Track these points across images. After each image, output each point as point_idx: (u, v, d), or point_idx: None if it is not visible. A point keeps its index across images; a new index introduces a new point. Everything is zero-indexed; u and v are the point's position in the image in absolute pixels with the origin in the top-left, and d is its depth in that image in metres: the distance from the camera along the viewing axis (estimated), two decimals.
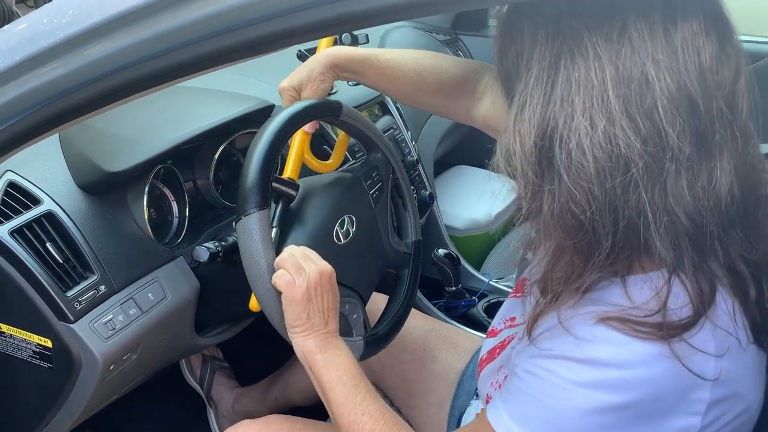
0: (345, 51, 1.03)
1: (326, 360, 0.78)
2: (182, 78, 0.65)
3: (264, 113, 1.12)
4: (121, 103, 0.68)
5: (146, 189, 1.02)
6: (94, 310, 0.92)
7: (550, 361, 0.62)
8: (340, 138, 1.10)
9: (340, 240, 1.00)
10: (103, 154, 0.98)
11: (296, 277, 0.78)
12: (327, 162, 1.06)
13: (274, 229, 0.89)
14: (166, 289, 1.02)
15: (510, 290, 1.63)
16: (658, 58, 0.54)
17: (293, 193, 0.91)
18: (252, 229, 0.81)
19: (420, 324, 1.19)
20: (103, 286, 0.93)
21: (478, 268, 1.80)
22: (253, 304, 0.86)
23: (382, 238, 1.10)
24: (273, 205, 0.91)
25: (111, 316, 0.93)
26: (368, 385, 0.79)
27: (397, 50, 1.03)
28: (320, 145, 1.35)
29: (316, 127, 1.02)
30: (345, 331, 0.94)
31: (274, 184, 0.89)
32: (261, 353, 1.64)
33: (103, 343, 0.91)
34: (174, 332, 1.07)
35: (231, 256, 0.98)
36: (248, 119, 1.14)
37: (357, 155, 1.40)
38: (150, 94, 0.68)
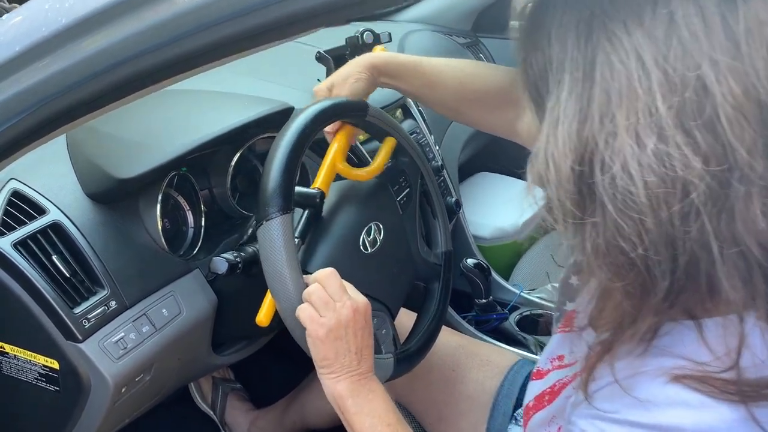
0: (387, 54, 1.02)
1: (359, 406, 0.73)
2: (201, 67, 0.59)
3: (283, 116, 1.06)
4: (132, 99, 0.63)
5: (159, 197, 0.96)
6: (103, 327, 0.86)
7: (614, 426, 0.53)
8: (387, 144, 1.02)
9: (366, 249, 0.94)
10: (113, 161, 0.92)
11: (323, 311, 0.72)
12: (365, 169, 0.98)
13: (296, 240, 0.83)
14: (181, 305, 0.95)
15: (543, 301, 1.57)
16: (716, 58, 0.45)
17: (317, 202, 0.85)
18: (274, 235, 0.75)
19: (447, 340, 1.12)
20: (113, 302, 0.87)
21: (506, 278, 1.72)
22: (261, 318, 0.80)
23: (410, 247, 1.03)
24: (299, 212, 0.85)
25: (122, 334, 0.87)
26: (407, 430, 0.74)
27: (441, 58, 0.99)
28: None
29: (352, 141, 0.97)
30: (374, 348, 0.88)
31: (299, 190, 0.83)
32: (275, 372, 1.57)
33: (114, 363, 0.85)
34: (190, 351, 1.01)
35: (251, 267, 0.92)
36: (266, 123, 1.08)
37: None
38: (163, 87, 0.62)
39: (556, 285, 1.50)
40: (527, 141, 0.88)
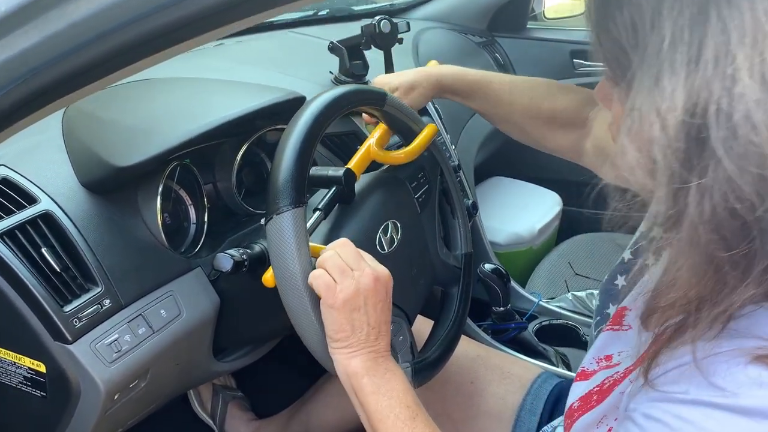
0: (455, 72, 1.03)
1: (375, 385, 0.67)
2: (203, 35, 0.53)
3: (294, 105, 1.00)
4: (130, 71, 0.56)
5: (159, 189, 0.89)
6: (96, 328, 0.79)
7: (683, 408, 0.48)
8: (428, 129, 0.97)
9: (384, 248, 0.87)
10: (111, 148, 0.86)
11: (340, 279, 0.67)
12: (403, 150, 0.94)
13: (317, 213, 0.79)
14: (181, 305, 0.89)
15: (562, 311, 1.50)
16: None
17: (344, 180, 0.81)
18: (285, 229, 0.69)
19: (464, 350, 1.05)
20: (107, 300, 0.81)
21: (522, 286, 1.66)
22: (268, 277, 0.74)
23: (429, 248, 0.97)
24: (322, 194, 0.82)
25: (116, 335, 0.81)
26: (427, 418, 0.67)
27: (510, 75, 1.03)
28: (353, 145, 1.23)
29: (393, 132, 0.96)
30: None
31: (320, 170, 0.80)
32: (279, 380, 1.51)
33: (107, 368, 0.78)
34: (189, 356, 0.94)
35: (258, 266, 0.85)
36: (276, 113, 1.02)
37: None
38: (164, 59, 0.56)
39: (578, 294, 1.45)
40: (594, 155, 0.88)
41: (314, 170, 0.82)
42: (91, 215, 0.84)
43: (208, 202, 1.02)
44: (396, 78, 1.05)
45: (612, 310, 0.72)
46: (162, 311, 0.86)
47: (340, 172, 0.81)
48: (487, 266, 1.31)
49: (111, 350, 0.79)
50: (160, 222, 0.89)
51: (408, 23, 1.26)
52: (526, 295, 1.52)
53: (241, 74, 1.23)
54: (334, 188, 0.82)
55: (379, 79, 1.04)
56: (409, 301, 0.91)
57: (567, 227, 2.08)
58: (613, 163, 0.51)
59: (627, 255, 0.76)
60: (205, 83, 1.05)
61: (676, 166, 0.44)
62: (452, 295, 1.00)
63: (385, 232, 0.88)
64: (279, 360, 1.32)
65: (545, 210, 1.96)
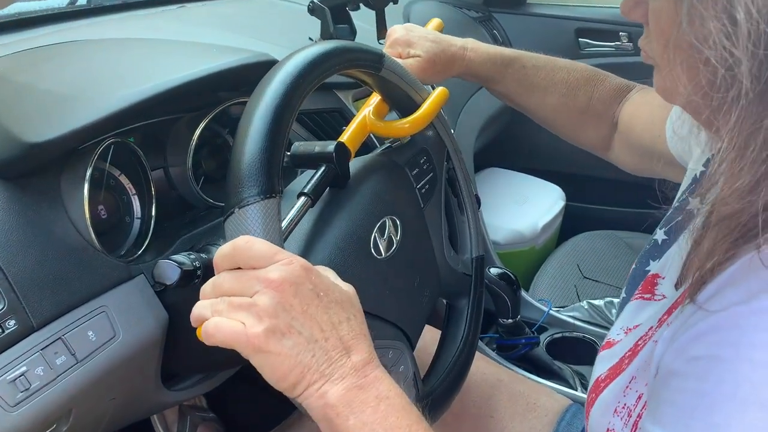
0: (485, 54, 0.93)
1: (362, 423, 0.49)
2: None
3: (265, 70, 0.81)
4: None
5: (88, 174, 0.70)
6: None
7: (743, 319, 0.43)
8: (439, 92, 0.80)
9: (380, 253, 0.70)
10: (22, 118, 0.67)
11: (237, 315, 0.49)
12: (408, 119, 0.77)
13: (303, 199, 0.62)
14: (116, 324, 0.70)
15: (576, 321, 1.34)
16: None
17: (335, 157, 0.65)
18: (250, 228, 0.51)
19: (482, 374, 0.89)
20: (12, 321, 0.62)
21: (525, 291, 1.49)
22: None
23: (435, 251, 0.79)
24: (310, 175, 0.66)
25: (24, 368, 0.62)
26: None
27: (545, 57, 0.95)
28: (338, 124, 1.04)
29: None
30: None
31: (303, 145, 0.64)
32: (257, 400, 1.32)
33: (7, 414, 0.60)
34: (130, 388, 0.75)
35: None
36: (242, 81, 0.83)
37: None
38: None
39: (595, 302, 1.28)
40: (622, 149, 0.90)
41: (296, 146, 0.65)
42: None
43: (157, 191, 0.83)
44: (419, 39, 0.90)
45: (653, 268, 0.67)
46: (90, 333, 0.68)
47: (330, 147, 0.64)
48: (493, 270, 1.14)
49: (15, 389, 0.61)
50: (88, 216, 0.70)
51: None
52: (534, 302, 1.36)
53: (204, 38, 1.04)
54: (323, 167, 0.64)
55: (398, 31, 0.91)
56: (412, 320, 0.73)
57: (570, 224, 1.93)
58: (659, 87, 0.52)
59: (660, 236, 0.70)
60: (153, 43, 0.86)
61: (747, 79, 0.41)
62: (461, 310, 0.83)
63: (381, 231, 0.70)
64: (257, 376, 1.13)
65: (548, 205, 1.80)
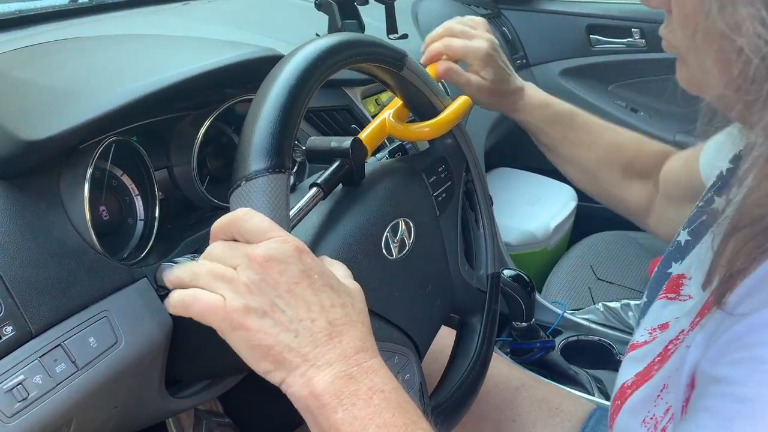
0: (538, 98, 0.94)
1: (353, 418, 0.44)
2: None
3: (271, 65, 0.79)
4: None
5: (88, 173, 0.68)
6: None
7: None
8: (462, 100, 0.78)
9: (391, 253, 0.68)
10: (20, 115, 0.65)
11: (217, 287, 0.47)
12: (429, 122, 0.75)
13: (314, 189, 0.61)
14: (119, 330, 0.68)
15: (592, 324, 1.31)
16: None
17: (351, 152, 0.63)
18: (256, 201, 0.48)
19: (505, 378, 0.87)
20: (9, 327, 0.59)
21: (537, 293, 1.46)
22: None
23: (449, 262, 0.77)
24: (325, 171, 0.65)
25: (22, 376, 0.59)
26: None
27: (596, 118, 0.96)
28: (346, 122, 1.02)
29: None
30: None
31: (318, 140, 0.63)
32: (273, 404, 1.29)
33: (4, 425, 0.57)
34: (132, 395, 0.73)
35: None
36: (249, 77, 0.81)
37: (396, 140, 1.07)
38: None
39: (611, 305, 1.25)
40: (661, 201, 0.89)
41: (312, 140, 0.63)
42: None
43: (161, 191, 0.81)
44: (497, 63, 0.90)
45: (676, 270, 0.66)
46: (91, 339, 0.65)
47: (346, 142, 0.62)
48: (507, 272, 1.11)
49: (12, 399, 0.58)
50: (89, 218, 0.68)
51: None
52: (548, 305, 1.33)
53: (208, 34, 1.02)
54: (338, 162, 0.63)
55: (454, 27, 0.91)
56: (420, 327, 0.70)
57: (581, 225, 1.90)
58: (684, 79, 0.49)
59: (684, 237, 0.69)
60: (155, 39, 0.84)
61: None
62: (473, 327, 0.80)
63: (394, 232, 0.68)
64: (267, 383, 1.11)
65: (560, 206, 1.77)
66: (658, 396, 0.54)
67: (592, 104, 1.93)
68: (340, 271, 0.54)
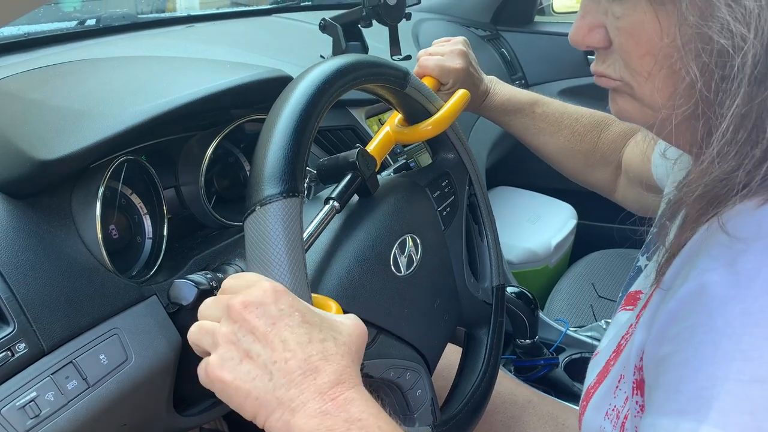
0: (508, 90, 0.99)
1: None
2: None
3: (278, 87, 0.80)
4: None
5: (100, 192, 0.69)
6: (3, 385, 0.58)
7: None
8: (461, 94, 0.80)
9: (399, 270, 0.68)
10: (33, 135, 0.66)
11: (207, 337, 0.49)
12: (429, 121, 0.77)
13: (330, 204, 0.62)
14: (129, 348, 0.68)
15: (594, 341, 1.31)
16: None
17: (359, 166, 0.65)
18: (270, 225, 0.49)
19: (511, 395, 0.87)
20: (22, 344, 0.60)
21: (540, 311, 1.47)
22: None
23: (455, 276, 0.78)
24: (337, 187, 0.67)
25: (34, 393, 0.60)
26: None
27: (558, 102, 1.00)
28: (351, 142, 1.03)
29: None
30: (402, 416, 0.66)
31: (328, 159, 0.65)
32: None
33: None
34: (142, 412, 0.73)
35: None
36: (256, 98, 0.82)
37: (401, 158, 1.08)
38: None
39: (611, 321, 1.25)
40: (626, 188, 0.93)
41: (320, 161, 0.65)
42: (5, 227, 0.64)
43: (169, 211, 0.82)
44: (460, 69, 0.95)
45: (635, 287, 0.69)
46: (102, 357, 0.66)
47: (354, 155, 0.63)
48: (510, 289, 1.12)
49: (25, 416, 0.58)
50: (100, 236, 0.68)
51: None
52: (550, 322, 1.33)
53: (214, 56, 1.03)
54: (349, 175, 0.64)
55: (432, 57, 0.96)
56: (430, 343, 0.71)
57: (581, 243, 1.90)
58: (621, 110, 0.55)
59: (643, 261, 0.71)
60: (164, 61, 0.85)
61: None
62: (480, 340, 0.81)
63: (402, 249, 0.69)
64: None
65: (560, 224, 1.78)
66: (617, 387, 0.56)
67: None
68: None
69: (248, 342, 0.46)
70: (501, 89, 0.98)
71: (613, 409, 0.57)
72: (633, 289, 0.69)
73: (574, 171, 1.00)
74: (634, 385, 0.52)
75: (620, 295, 0.73)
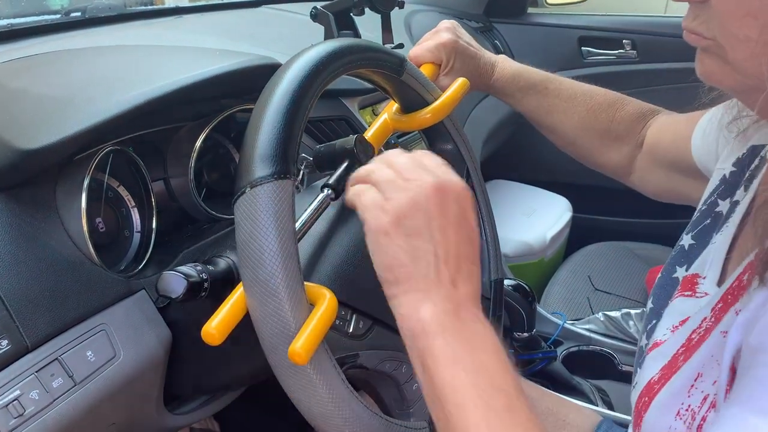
0: (517, 69, 0.94)
1: (454, 352, 0.46)
2: None
3: (267, 74, 0.78)
4: None
5: (85, 184, 0.67)
6: None
7: None
8: (460, 82, 0.78)
9: None
10: (15, 124, 0.63)
11: (389, 191, 0.49)
12: (428, 108, 0.74)
13: (326, 191, 0.60)
14: (117, 344, 0.66)
15: (592, 334, 1.30)
16: None
17: (357, 153, 0.64)
18: (261, 207, 0.47)
19: None
20: (4, 341, 0.58)
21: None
22: (212, 330, 0.51)
23: None
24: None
25: (18, 392, 0.58)
26: (533, 413, 0.46)
27: (569, 80, 0.95)
28: (344, 132, 1.01)
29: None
30: (398, 410, 0.66)
31: (324, 146, 0.63)
32: (270, 423, 1.27)
33: None
34: (131, 411, 0.71)
35: (223, 288, 0.63)
36: (246, 86, 0.80)
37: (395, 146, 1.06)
38: None
39: (611, 314, 1.24)
40: (643, 173, 0.90)
41: (317, 148, 0.65)
42: None
43: (158, 203, 0.80)
44: (459, 51, 0.90)
45: (687, 273, 0.64)
46: (88, 353, 0.64)
47: (351, 141, 0.61)
48: (507, 282, 1.10)
49: (8, 415, 0.56)
50: (86, 229, 0.66)
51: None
52: (548, 315, 1.31)
53: (203, 45, 1.01)
54: (346, 162, 0.63)
55: (447, 32, 0.91)
56: None
57: (576, 236, 1.89)
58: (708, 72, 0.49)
59: (687, 241, 0.68)
60: (151, 49, 0.83)
61: None
62: None
63: None
64: (275, 397, 1.08)
65: (555, 217, 1.77)
66: (692, 386, 0.53)
67: None
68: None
69: (423, 223, 0.48)
70: (510, 64, 0.94)
71: (687, 409, 0.53)
72: (679, 275, 0.66)
73: (588, 151, 0.96)
74: (727, 388, 0.48)
75: (660, 276, 0.70)
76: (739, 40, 0.45)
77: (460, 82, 0.77)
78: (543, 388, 0.90)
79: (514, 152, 1.93)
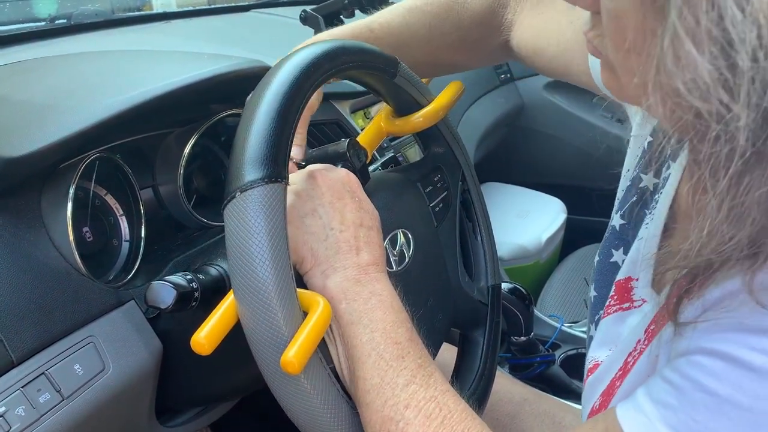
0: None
1: (355, 313, 0.53)
2: None
3: (259, 78, 0.77)
4: None
5: (71, 192, 0.65)
6: None
7: (752, 338, 0.39)
8: (453, 86, 0.77)
9: (391, 266, 0.66)
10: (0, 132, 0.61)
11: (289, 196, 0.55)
12: (421, 112, 0.73)
13: None
14: (105, 356, 0.64)
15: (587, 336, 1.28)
16: None
17: (351, 155, 0.64)
18: (251, 212, 0.46)
19: (508, 393, 0.85)
20: None
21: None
22: (201, 339, 0.49)
23: (449, 273, 0.75)
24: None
25: (3, 408, 0.56)
26: (422, 358, 0.53)
27: (386, 10, 0.83)
28: (335, 136, 1.00)
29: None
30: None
31: (318, 149, 0.63)
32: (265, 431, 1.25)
33: None
34: (121, 425, 0.69)
35: (214, 297, 0.61)
36: (236, 90, 0.79)
37: (388, 152, 1.05)
38: None
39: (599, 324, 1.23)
40: (522, 57, 0.79)
41: (310, 152, 0.64)
42: None
43: (147, 211, 0.78)
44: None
45: (619, 277, 0.62)
46: (76, 367, 0.62)
47: (344, 145, 0.60)
48: (504, 285, 1.09)
49: None
50: (72, 239, 0.65)
51: None
52: (545, 318, 1.30)
53: (191, 50, 0.99)
54: (339, 166, 0.62)
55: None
56: (424, 343, 0.68)
57: (572, 238, 1.88)
58: (613, 88, 0.43)
59: (617, 221, 0.65)
60: (139, 53, 0.81)
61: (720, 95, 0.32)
62: (475, 341, 0.78)
63: (393, 243, 0.66)
64: (270, 408, 1.07)
65: (550, 219, 1.76)
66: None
67: (578, 116, 1.93)
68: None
69: (315, 203, 0.55)
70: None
71: None
72: (616, 259, 0.64)
73: (453, 64, 0.87)
74: None
75: (597, 260, 0.67)
76: (626, 70, 0.40)
77: (454, 86, 0.76)
78: (539, 391, 0.89)
79: (507, 155, 1.92)
